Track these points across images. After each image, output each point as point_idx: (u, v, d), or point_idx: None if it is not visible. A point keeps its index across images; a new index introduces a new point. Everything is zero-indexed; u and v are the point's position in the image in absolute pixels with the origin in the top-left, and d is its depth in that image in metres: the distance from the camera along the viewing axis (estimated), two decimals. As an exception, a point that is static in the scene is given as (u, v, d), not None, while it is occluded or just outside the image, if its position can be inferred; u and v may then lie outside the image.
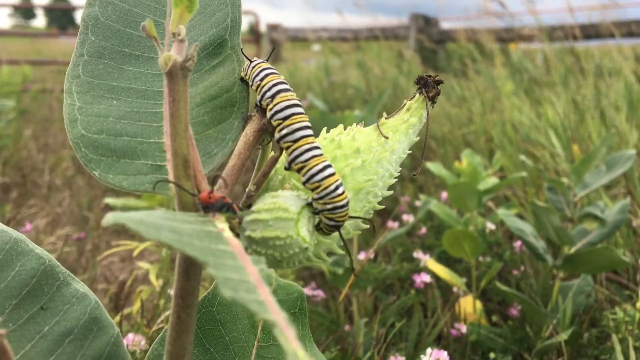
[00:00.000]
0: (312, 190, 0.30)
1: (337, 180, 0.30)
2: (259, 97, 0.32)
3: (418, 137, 0.35)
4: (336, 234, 0.32)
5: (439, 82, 0.33)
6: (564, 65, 3.35)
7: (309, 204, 0.30)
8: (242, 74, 0.35)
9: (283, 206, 0.29)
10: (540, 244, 1.38)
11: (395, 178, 0.34)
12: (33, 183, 3.02)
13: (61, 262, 1.82)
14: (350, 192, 0.32)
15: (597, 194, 1.79)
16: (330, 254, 1.72)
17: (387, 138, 0.33)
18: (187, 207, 0.28)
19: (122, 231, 2.38)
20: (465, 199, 1.57)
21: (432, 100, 0.34)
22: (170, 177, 0.29)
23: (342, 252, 0.33)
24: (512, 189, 2.15)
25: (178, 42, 0.25)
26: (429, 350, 0.90)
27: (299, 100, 0.31)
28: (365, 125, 0.36)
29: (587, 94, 2.74)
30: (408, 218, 1.70)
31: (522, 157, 1.66)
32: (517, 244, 1.61)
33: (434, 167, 1.77)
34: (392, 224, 1.70)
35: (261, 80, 0.32)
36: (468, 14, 4.87)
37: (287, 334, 0.17)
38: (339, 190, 0.29)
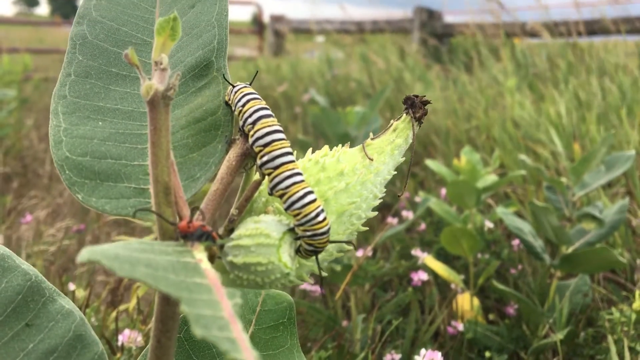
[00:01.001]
0: (294, 217, 0.30)
1: (318, 207, 0.30)
2: (241, 123, 0.33)
3: (404, 158, 0.35)
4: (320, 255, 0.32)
5: (426, 103, 0.33)
6: (567, 61, 3.34)
7: (291, 230, 0.30)
8: (226, 98, 0.35)
9: (265, 232, 0.29)
10: (538, 243, 1.38)
11: (380, 199, 0.34)
12: (34, 173, 3.03)
13: (61, 254, 1.83)
14: (333, 215, 0.32)
15: (596, 193, 1.79)
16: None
17: (372, 160, 0.33)
18: (167, 233, 0.29)
19: (122, 223, 2.39)
20: (464, 197, 1.58)
21: (419, 120, 0.34)
22: (152, 203, 0.29)
23: (324, 273, 0.33)
24: (512, 186, 2.15)
25: (160, 70, 0.26)
26: (423, 351, 0.91)
27: (280, 126, 0.32)
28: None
29: (590, 91, 2.74)
30: (408, 214, 1.71)
31: (522, 156, 1.66)
32: (516, 242, 1.61)
33: (433, 164, 1.77)
34: (391, 220, 1.70)
35: (243, 105, 0.32)
36: (472, 8, 4.84)
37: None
38: (320, 218, 0.30)
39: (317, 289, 1.46)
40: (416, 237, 1.85)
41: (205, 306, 0.20)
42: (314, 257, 0.31)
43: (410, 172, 2.47)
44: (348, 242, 0.33)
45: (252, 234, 0.29)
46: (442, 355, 0.94)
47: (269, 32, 6.71)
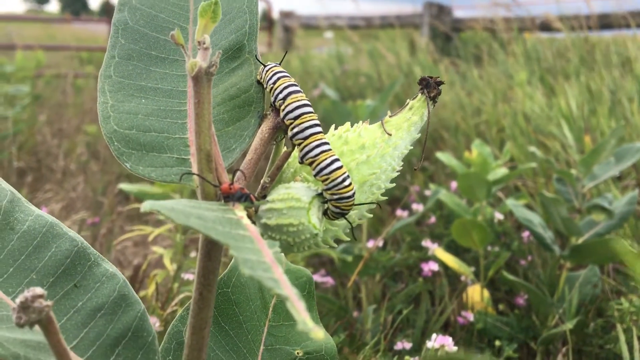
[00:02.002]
0: (322, 182, 0.33)
1: (344, 173, 0.33)
2: (272, 99, 0.35)
3: (419, 134, 0.38)
4: (343, 222, 0.34)
5: (440, 83, 0.36)
6: (579, 54, 3.34)
7: (319, 194, 0.33)
8: (258, 77, 0.38)
9: (296, 196, 0.32)
10: (548, 235, 1.40)
11: (397, 172, 0.37)
12: (48, 168, 3.07)
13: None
14: (355, 185, 0.35)
15: (606, 185, 1.80)
16: (338, 241, 1.75)
17: (390, 135, 0.36)
18: (209, 196, 0.31)
19: (135, 216, 2.42)
20: (474, 189, 1.59)
21: (433, 100, 0.36)
22: (194, 170, 0.32)
23: (347, 238, 0.35)
24: (522, 179, 2.16)
25: (203, 49, 0.28)
26: (434, 335, 0.93)
27: (309, 101, 0.34)
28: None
29: (601, 84, 2.74)
30: (418, 207, 1.72)
31: (532, 149, 1.67)
32: (526, 234, 1.62)
33: (444, 157, 1.79)
34: (401, 213, 1.72)
35: (274, 83, 0.35)
36: (482, 3, 4.84)
37: (298, 307, 0.19)
38: (346, 182, 0.32)
39: (328, 280, 1.49)
40: (426, 230, 1.87)
41: (250, 252, 0.22)
42: (338, 223, 0.34)
43: (421, 166, 2.48)
44: (372, 204, 0.35)
45: (284, 198, 0.32)
46: (453, 344, 0.96)
47: (279, 27, 6.73)
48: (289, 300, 0.20)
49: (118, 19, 0.39)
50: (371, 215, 0.37)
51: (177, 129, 0.36)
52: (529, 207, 1.88)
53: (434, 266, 1.41)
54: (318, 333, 0.19)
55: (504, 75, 3.48)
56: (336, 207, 0.33)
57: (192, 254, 1.47)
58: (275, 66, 0.37)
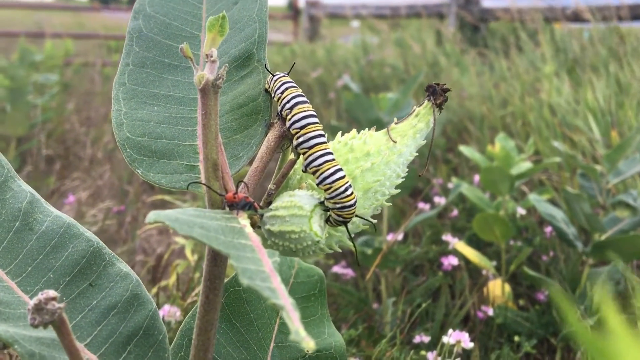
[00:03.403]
0: (325, 190, 0.34)
1: (346, 182, 0.33)
2: (279, 108, 0.36)
3: (425, 141, 0.38)
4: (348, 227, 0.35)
5: (446, 90, 0.36)
6: (608, 46, 3.28)
7: (321, 203, 0.34)
8: (266, 86, 0.39)
9: (298, 204, 0.33)
10: (570, 230, 1.38)
11: (402, 178, 0.37)
12: (75, 156, 3.12)
13: (102, 234, 1.90)
14: (360, 192, 0.35)
15: (632, 181, 1.77)
16: (358, 234, 1.76)
17: (395, 142, 0.36)
18: (215, 203, 0.33)
19: (160, 205, 2.45)
20: (497, 183, 1.58)
21: (440, 107, 0.37)
22: (203, 176, 0.32)
23: (351, 243, 0.36)
24: (547, 174, 2.13)
25: (210, 62, 0.29)
26: (450, 331, 0.93)
27: (314, 111, 0.35)
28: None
29: (630, 77, 2.69)
30: (440, 200, 1.72)
31: (556, 143, 1.65)
32: (548, 229, 1.61)
33: (467, 150, 1.78)
34: (423, 206, 1.72)
35: (282, 93, 0.36)
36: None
37: (293, 317, 0.20)
38: (348, 192, 0.33)
39: (348, 272, 1.49)
40: (448, 223, 1.86)
41: (250, 262, 0.23)
42: (342, 229, 0.35)
43: (443, 157, 2.47)
44: (368, 220, 0.36)
45: (287, 205, 0.33)
46: (471, 339, 0.96)
47: (304, 17, 6.72)
48: (284, 309, 0.20)
49: (133, 27, 0.40)
50: (375, 221, 0.37)
51: (187, 136, 0.37)
52: (553, 202, 1.86)
53: (454, 260, 1.41)
54: (309, 343, 0.19)
55: (531, 67, 3.43)
56: (338, 215, 0.34)
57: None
58: (284, 76, 0.38)
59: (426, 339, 1.16)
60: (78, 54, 6.00)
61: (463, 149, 1.76)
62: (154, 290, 1.19)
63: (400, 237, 1.43)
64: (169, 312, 1.02)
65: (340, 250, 0.36)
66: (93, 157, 3.03)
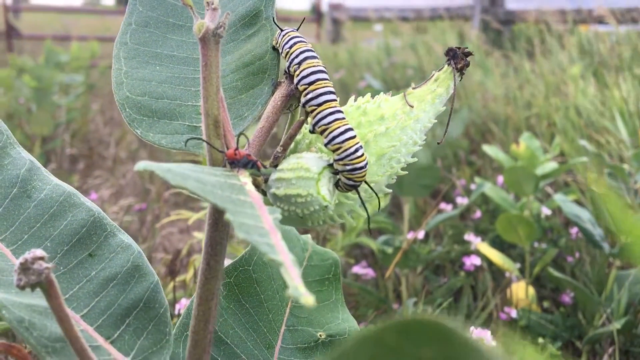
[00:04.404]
0: (333, 151, 0.32)
1: (357, 142, 0.31)
2: (287, 64, 0.34)
3: (444, 107, 0.36)
4: (360, 195, 0.33)
5: (468, 54, 0.34)
6: (632, 48, 3.21)
7: (330, 165, 0.32)
8: (274, 43, 0.37)
9: (305, 166, 0.31)
10: (597, 232, 1.35)
11: (419, 146, 0.35)
12: (99, 155, 3.15)
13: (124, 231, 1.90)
14: (373, 157, 0.33)
15: (662, 181, 1.72)
16: (379, 233, 1.73)
17: (412, 107, 0.34)
18: (217, 163, 0.31)
19: (182, 204, 2.46)
20: (521, 184, 1.55)
21: (461, 71, 0.34)
22: (204, 136, 0.31)
23: (363, 213, 0.34)
24: (573, 174, 2.09)
25: (211, 10, 0.27)
26: (472, 328, 0.90)
27: (325, 67, 0.33)
28: None
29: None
30: (462, 201, 1.69)
31: (582, 142, 1.61)
32: (574, 230, 1.57)
33: (490, 150, 1.75)
34: (445, 207, 1.69)
35: (290, 47, 0.34)
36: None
37: (292, 272, 0.18)
38: (359, 153, 0.31)
39: (369, 272, 1.47)
40: (471, 224, 1.83)
41: (248, 217, 0.21)
42: (354, 197, 0.33)
43: (466, 159, 2.44)
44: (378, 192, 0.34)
45: (294, 167, 0.31)
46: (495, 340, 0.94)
47: (327, 20, 6.72)
48: (283, 265, 0.19)
49: (137, -14, 0.39)
50: (390, 191, 0.35)
51: (190, 97, 0.35)
52: (578, 203, 1.82)
53: (476, 260, 1.38)
54: (308, 299, 0.18)
55: (557, 68, 3.38)
56: (348, 178, 0.32)
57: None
58: (292, 31, 0.36)
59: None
60: (104, 56, 6.07)
61: (486, 148, 1.73)
62: (172, 284, 1.18)
63: (421, 235, 1.41)
64: (186, 305, 1.01)
65: (352, 220, 0.34)
66: (116, 156, 3.06)
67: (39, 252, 0.25)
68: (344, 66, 4.30)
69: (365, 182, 0.32)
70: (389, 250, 1.36)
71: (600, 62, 3.42)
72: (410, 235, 1.40)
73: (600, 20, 4.24)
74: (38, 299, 0.33)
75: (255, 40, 0.37)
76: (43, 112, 3.05)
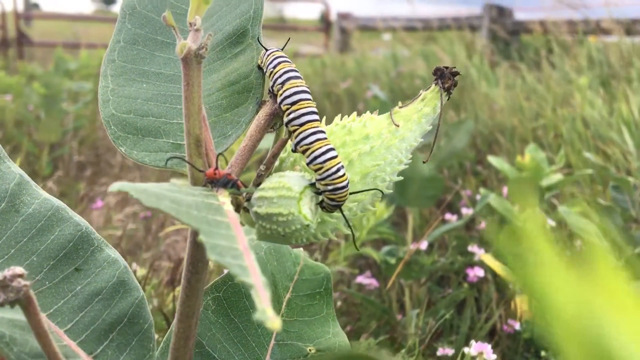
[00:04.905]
0: (315, 171, 0.32)
1: (338, 162, 0.31)
2: (271, 83, 0.35)
3: (431, 127, 0.36)
4: (345, 214, 0.33)
5: (456, 74, 0.34)
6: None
7: (312, 184, 0.32)
8: (259, 62, 0.37)
9: (287, 185, 0.31)
10: (603, 245, 1.34)
11: (405, 165, 0.35)
12: (106, 162, 3.17)
13: (128, 239, 1.91)
14: (357, 176, 0.34)
15: (668, 194, 1.71)
16: (383, 243, 1.73)
17: (397, 126, 0.34)
18: (198, 182, 0.31)
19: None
20: (525, 195, 1.54)
21: (448, 91, 0.34)
22: (186, 155, 0.31)
23: (347, 231, 0.34)
24: (579, 186, 2.08)
25: (194, 31, 0.28)
26: (472, 342, 0.90)
27: (308, 87, 0.33)
28: None
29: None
30: (468, 211, 1.69)
31: (587, 154, 1.61)
32: (579, 243, 1.56)
33: (495, 161, 1.74)
34: (450, 217, 1.69)
35: (274, 67, 0.35)
36: (544, 5, 4.70)
37: (262, 295, 0.18)
38: (340, 172, 0.31)
39: (373, 282, 1.47)
40: (476, 235, 1.83)
41: (222, 238, 0.21)
42: (338, 215, 0.33)
43: (472, 169, 2.43)
44: (371, 191, 0.34)
45: (275, 186, 0.31)
46: (498, 353, 0.93)
47: (335, 29, 6.74)
48: (254, 288, 0.19)
49: (126, 3, 0.39)
50: (375, 209, 0.35)
51: (176, 114, 0.35)
52: (584, 215, 1.81)
53: (479, 272, 1.37)
54: (275, 323, 0.18)
55: (564, 80, 3.37)
56: (330, 199, 0.32)
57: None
58: (277, 51, 0.36)
59: (450, 351, 1.13)
60: (113, 64, 6.11)
61: (492, 159, 1.73)
62: (171, 294, 1.18)
63: (423, 246, 1.40)
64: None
65: (336, 238, 0.34)
66: (123, 164, 3.07)
67: (18, 269, 0.25)
68: (351, 75, 4.31)
69: (340, 210, 0.33)
70: (392, 260, 1.36)
71: (608, 74, 3.41)
72: (412, 246, 1.40)
73: (608, 32, 4.24)
74: (19, 314, 0.33)
75: (241, 59, 0.37)
76: (51, 119, 3.08)
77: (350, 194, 0.32)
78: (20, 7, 7.91)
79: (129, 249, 1.97)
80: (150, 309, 1.14)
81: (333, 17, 7.07)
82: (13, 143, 3.05)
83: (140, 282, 1.21)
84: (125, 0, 0.39)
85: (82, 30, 8.30)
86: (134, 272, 1.23)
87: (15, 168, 0.40)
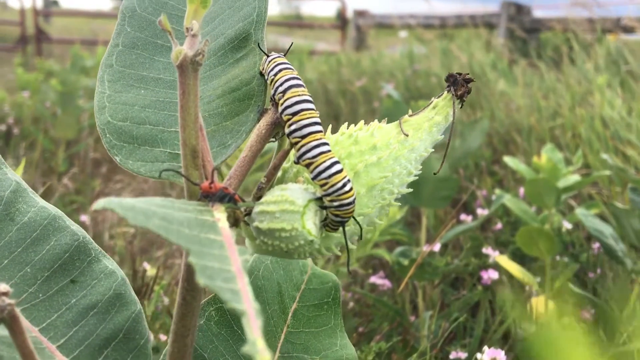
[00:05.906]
0: (320, 186, 0.30)
1: (344, 177, 0.30)
2: (272, 91, 0.33)
3: (442, 136, 0.34)
4: (349, 228, 0.32)
5: (469, 81, 0.32)
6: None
7: (316, 198, 0.30)
8: (260, 69, 0.36)
9: (290, 199, 0.29)
10: (619, 247, 1.32)
11: (415, 176, 0.34)
12: (122, 160, 3.18)
13: (142, 236, 1.91)
14: (363, 188, 0.32)
15: (689, 197, 1.68)
16: (396, 244, 1.71)
17: (407, 135, 0.33)
18: (194, 195, 0.30)
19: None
20: (542, 196, 1.52)
21: (461, 98, 0.33)
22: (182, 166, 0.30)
23: (354, 246, 0.33)
24: (597, 188, 2.05)
25: (190, 37, 0.26)
26: (485, 348, 0.89)
27: (310, 96, 0.32)
28: None
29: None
30: (483, 212, 1.66)
31: (605, 156, 1.58)
32: (596, 245, 1.54)
33: (511, 161, 1.72)
34: (465, 218, 1.67)
35: (275, 75, 0.33)
36: (562, 3, 4.64)
37: (253, 325, 0.17)
38: (346, 188, 0.30)
39: (386, 282, 1.46)
40: (491, 236, 1.80)
41: (214, 259, 0.20)
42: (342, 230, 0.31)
43: (488, 169, 2.40)
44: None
45: (278, 200, 0.29)
46: (512, 357, 0.92)
47: (352, 27, 6.71)
48: (245, 315, 0.18)
49: (126, 6, 0.38)
50: (382, 222, 0.34)
51: (174, 122, 0.34)
52: (602, 217, 1.78)
53: (493, 274, 1.35)
54: (264, 357, 0.16)
55: (584, 79, 3.32)
56: (335, 215, 0.30)
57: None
58: (279, 57, 0.35)
59: (463, 355, 1.12)
60: (129, 60, 6.14)
61: (507, 159, 1.71)
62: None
63: (436, 248, 1.38)
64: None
65: (340, 254, 0.32)
66: (138, 161, 3.08)
67: (3, 287, 0.24)
68: (366, 73, 4.28)
69: (354, 218, 0.31)
70: (405, 262, 1.35)
71: (628, 72, 3.35)
72: (425, 248, 1.38)
73: (629, 30, 4.17)
74: (6, 331, 0.32)
75: (243, 65, 0.36)
76: (68, 116, 3.10)
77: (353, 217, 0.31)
78: (39, 4, 7.98)
79: (142, 247, 1.98)
80: (159, 308, 1.13)
81: (349, 14, 7.04)
82: (30, 139, 3.07)
83: (150, 282, 1.20)
84: (125, 2, 0.38)
85: (100, 27, 8.35)
86: (144, 271, 1.22)
87: (11, 174, 0.39)
